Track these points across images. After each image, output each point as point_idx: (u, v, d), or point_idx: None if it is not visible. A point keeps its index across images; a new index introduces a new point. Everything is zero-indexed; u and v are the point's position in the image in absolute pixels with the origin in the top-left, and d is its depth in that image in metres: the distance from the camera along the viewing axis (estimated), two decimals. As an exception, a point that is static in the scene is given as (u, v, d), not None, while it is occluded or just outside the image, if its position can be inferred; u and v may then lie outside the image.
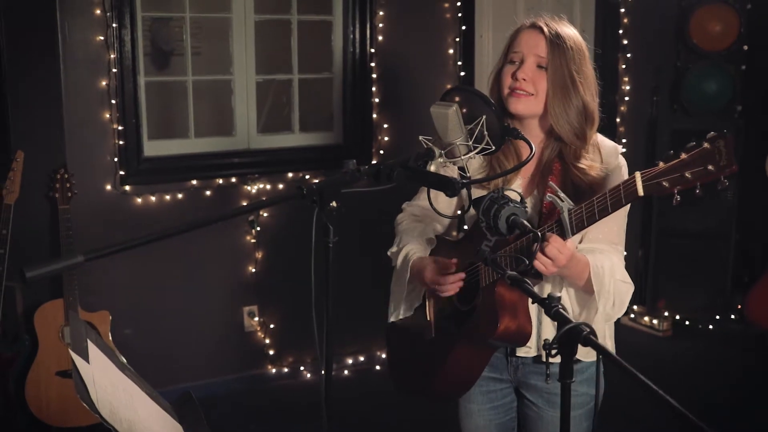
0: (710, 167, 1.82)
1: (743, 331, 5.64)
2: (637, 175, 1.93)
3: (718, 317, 5.83)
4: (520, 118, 2.35)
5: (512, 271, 1.90)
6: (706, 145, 1.83)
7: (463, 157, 1.95)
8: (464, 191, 2.30)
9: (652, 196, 1.93)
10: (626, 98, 5.78)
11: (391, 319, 2.60)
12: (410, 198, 2.67)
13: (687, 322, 5.82)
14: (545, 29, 2.28)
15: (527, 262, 2.00)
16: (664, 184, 1.88)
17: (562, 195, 2.05)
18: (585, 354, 2.27)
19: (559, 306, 1.67)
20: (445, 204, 2.47)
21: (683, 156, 1.86)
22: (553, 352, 1.62)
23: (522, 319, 2.23)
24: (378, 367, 5.09)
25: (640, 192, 1.92)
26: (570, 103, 2.27)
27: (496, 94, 2.36)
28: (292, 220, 4.72)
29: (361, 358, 5.12)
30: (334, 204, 1.70)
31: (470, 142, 1.95)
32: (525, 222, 1.92)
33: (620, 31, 5.69)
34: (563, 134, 2.28)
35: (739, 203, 5.77)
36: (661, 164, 1.89)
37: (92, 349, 1.80)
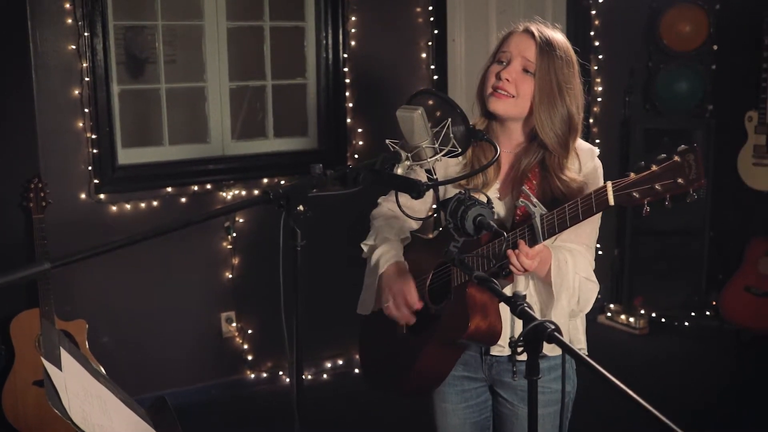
0: (680, 180, 1.84)
1: (718, 328, 5.70)
2: (609, 184, 1.95)
3: (693, 314, 5.89)
4: (500, 119, 2.37)
5: (480, 272, 1.93)
6: (676, 158, 1.85)
7: (429, 160, 1.97)
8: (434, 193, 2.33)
9: (622, 205, 1.96)
10: (599, 99, 5.83)
11: (360, 312, 2.65)
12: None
13: (663, 320, 5.87)
14: (536, 34, 2.30)
15: (494, 263, 2.03)
16: (634, 195, 1.90)
17: (534, 200, 2.06)
18: (551, 348, 2.29)
19: (525, 304, 1.69)
20: (419, 203, 2.49)
21: (654, 168, 1.88)
22: (519, 349, 1.64)
23: (492, 319, 2.26)
24: (356, 371, 5.10)
25: (611, 201, 1.94)
26: (555, 111, 2.28)
27: (481, 93, 2.39)
28: (268, 225, 4.72)
29: (340, 362, 5.13)
30: (301, 208, 1.71)
31: (436, 145, 1.97)
32: (491, 223, 1.94)
33: (592, 33, 5.74)
34: (547, 141, 2.29)
35: (713, 201, 5.83)
36: (632, 175, 1.91)
37: (65, 356, 1.80)
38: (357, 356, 5.09)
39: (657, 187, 1.87)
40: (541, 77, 2.28)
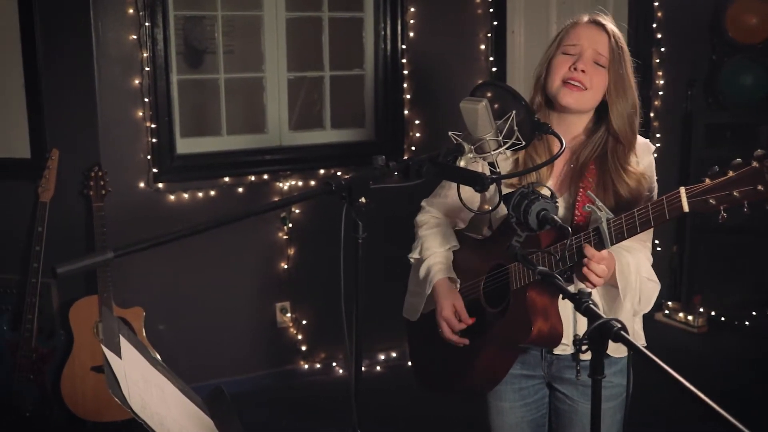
0: (760, 187, 1.78)
1: (780, 328, 5.57)
2: (682, 190, 1.89)
3: (754, 313, 5.75)
4: (567, 112, 2.33)
5: (543, 267, 1.89)
6: (755, 164, 1.79)
7: (492, 153, 1.93)
8: (494, 188, 2.30)
9: (697, 212, 1.90)
10: (660, 92, 5.72)
11: (408, 316, 2.65)
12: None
13: (723, 319, 5.75)
14: (608, 27, 2.29)
15: (560, 266, 1.99)
16: (710, 201, 1.85)
17: (600, 204, 2.03)
18: (615, 350, 2.25)
19: (590, 302, 1.65)
20: (468, 199, 2.44)
21: (731, 174, 1.82)
22: (584, 348, 1.61)
23: (554, 321, 2.22)
24: (410, 363, 5.08)
25: (686, 208, 1.89)
26: (627, 102, 2.28)
27: (542, 86, 2.35)
28: (324, 216, 4.72)
29: (393, 354, 5.11)
30: (363, 200, 1.70)
31: (500, 138, 1.94)
32: (555, 217, 1.90)
33: (654, 25, 5.64)
34: (620, 131, 2.28)
35: (777, 198, 5.68)
36: (708, 181, 1.85)
37: (124, 344, 1.81)
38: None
39: (735, 193, 1.81)
40: (615, 70, 2.27)
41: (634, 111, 2.31)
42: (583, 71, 2.26)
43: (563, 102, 2.30)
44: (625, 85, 2.28)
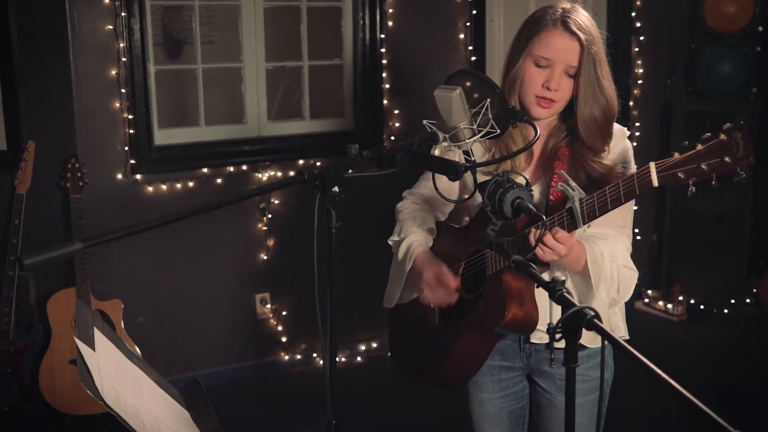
0: (727, 159, 1.81)
1: (759, 315, 5.62)
2: (652, 165, 1.90)
3: (733, 301, 5.80)
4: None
5: (518, 256, 1.89)
6: (722, 136, 1.82)
7: (467, 141, 1.93)
8: (470, 176, 2.30)
9: (667, 186, 1.91)
10: (639, 81, 5.74)
11: (386, 305, 2.62)
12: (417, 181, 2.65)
13: (702, 307, 5.78)
14: (581, 36, 2.19)
15: (530, 247, 1.99)
16: (679, 175, 1.86)
17: (572, 184, 2.02)
18: (591, 340, 2.26)
19: (564, 290, 1.65)
20: (447, 189, 2.43)
21: (699, 147, 1.84)
22: (558, 336, 1.60)
23: (529, 307, 2.22)
24: (389, 353, 5.08)
25: (655, 183, 1.90)
26: (597, 105, 2.22)
27: (516, 92, 2.28)
28: (304, 207, 4.72)
29: (374, 345, 5.11)
30: (336, 189, 1.69)
31: (475, 126, 1.93)
32: (530, 205, 1.90)
33: (633, 14, 5.65)
34: (589, 139, 2.23)
35: (754, 186, 5.73)
36: (676, 155, 1.87)
37: (98, 336, 1.80)
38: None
39: (703, 166, 1.83)
40: (586, 79, 2.21)
41: (607, 109, 2.24)
42: (556, 90, 2.22)
43: (535, 114, 2.26)
44: (594, 89, 2.21)
